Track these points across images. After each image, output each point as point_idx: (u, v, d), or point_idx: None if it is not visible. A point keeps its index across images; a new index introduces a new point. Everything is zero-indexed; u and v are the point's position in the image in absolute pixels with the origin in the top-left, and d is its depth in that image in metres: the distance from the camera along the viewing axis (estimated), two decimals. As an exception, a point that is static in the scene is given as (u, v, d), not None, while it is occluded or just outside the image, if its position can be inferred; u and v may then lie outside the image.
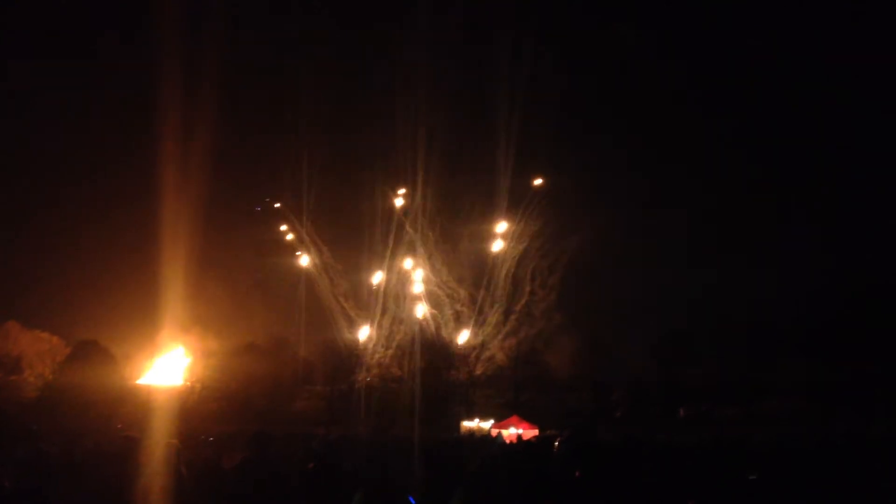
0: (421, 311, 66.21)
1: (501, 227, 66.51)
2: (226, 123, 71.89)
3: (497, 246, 66.49)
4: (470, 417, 52.78)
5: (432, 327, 65.96)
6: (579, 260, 65.31)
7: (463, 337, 65.04)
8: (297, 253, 68.20)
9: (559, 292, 63.49)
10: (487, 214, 67.33)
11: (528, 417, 45.82)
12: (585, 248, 65.31)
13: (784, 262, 68.10)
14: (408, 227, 67.90)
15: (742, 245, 72.74)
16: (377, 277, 66.13)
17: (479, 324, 65.08)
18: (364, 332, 65.48)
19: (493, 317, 64.25)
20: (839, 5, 72.83)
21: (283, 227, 68.52)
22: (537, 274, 64.60)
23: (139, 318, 62.16)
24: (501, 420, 46.62)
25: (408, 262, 66.88)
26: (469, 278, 67.09)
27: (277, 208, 68.56)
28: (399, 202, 68.78)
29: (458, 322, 66.39)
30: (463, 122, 75.76)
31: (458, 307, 65.43)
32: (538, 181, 65.70)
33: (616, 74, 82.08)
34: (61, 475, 9.16)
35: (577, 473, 7.94)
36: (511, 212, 65.78)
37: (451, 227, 67.32)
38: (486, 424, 48.55)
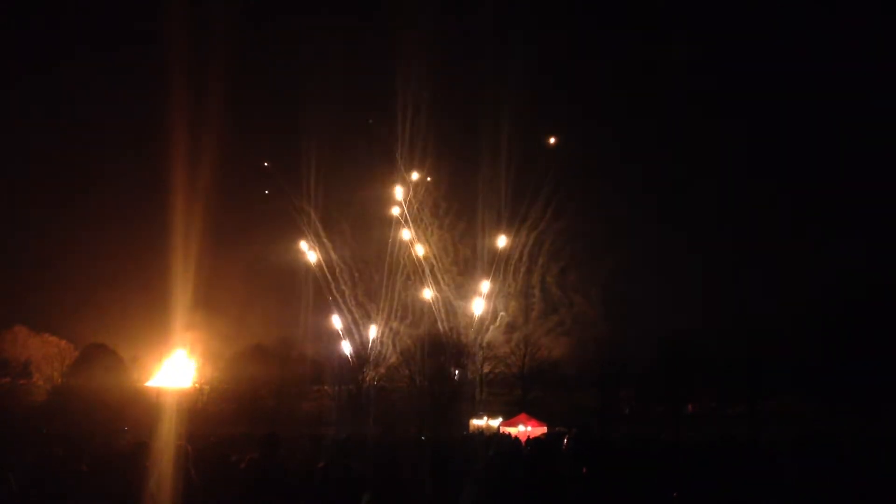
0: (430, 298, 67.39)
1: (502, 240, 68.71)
2: (234, 126, 72.02)
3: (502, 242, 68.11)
4: (478, 415, 52.65)
5: (443, 324, 66.51)
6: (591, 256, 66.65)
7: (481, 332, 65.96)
8: (304, 245, 69.24)
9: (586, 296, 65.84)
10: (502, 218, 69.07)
11: (537, 415, 45.72)
12: (595, 241, 66.59)
13: (790, 260, 67.67)
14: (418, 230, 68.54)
15: (749, 243, 72.23)
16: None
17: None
18: (373, 331, 66.02)
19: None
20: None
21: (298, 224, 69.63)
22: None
23: (147, 321, 62.45)
24: (510, 418, 46.53)
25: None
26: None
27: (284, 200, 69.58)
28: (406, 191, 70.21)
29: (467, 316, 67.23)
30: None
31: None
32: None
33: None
34: (70, 478, 9.18)
35: (584, 470, 7.94)
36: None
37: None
38: (495, 422, 48.47)
